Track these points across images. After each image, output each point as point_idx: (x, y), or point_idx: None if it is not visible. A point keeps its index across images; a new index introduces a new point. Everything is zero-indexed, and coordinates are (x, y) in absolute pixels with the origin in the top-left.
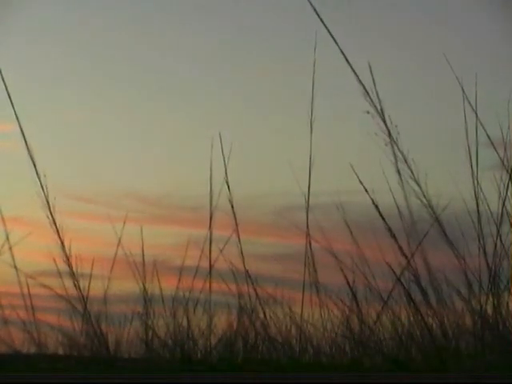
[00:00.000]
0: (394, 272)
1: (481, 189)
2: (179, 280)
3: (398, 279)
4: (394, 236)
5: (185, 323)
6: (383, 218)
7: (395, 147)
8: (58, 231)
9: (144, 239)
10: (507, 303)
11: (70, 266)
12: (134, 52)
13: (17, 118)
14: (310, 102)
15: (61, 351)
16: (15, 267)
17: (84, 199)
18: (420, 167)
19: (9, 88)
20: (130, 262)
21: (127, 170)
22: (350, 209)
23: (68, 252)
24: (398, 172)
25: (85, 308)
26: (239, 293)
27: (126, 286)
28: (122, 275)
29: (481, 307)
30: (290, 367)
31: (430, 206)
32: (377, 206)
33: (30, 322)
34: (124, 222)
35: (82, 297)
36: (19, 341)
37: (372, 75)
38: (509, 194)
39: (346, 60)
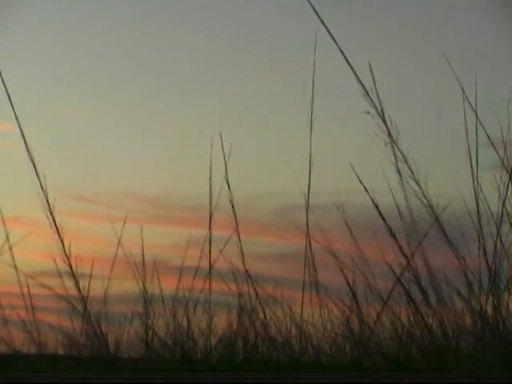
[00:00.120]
0: (394, 272)
1: (481, 189)
2: (179, 280)
3: (398, 279)
4: (394, 236)
5: (185, 323)
6: (383, 218)
7: (395, 147)
8: (57, 231)
9: (144, 239)
10: (507, 303)
11: (70, 266)
12: (134, 52)
13: (16, 118)
14: (310, 102)
15: (61, 351)
16: (15, 267)
17: (84, 199)
18: (420, 167)
19: (9, 88)
20: (130, 262)
21: (127, 170)
22: (349, 209)
23: (68, 252)
24: (399, 172)
25: (85, 308)
26: (239, 293)
27: (126, 286)
28: (121, 275)
29: (481, 307)
30: (290, 367)
31: (430, 206)
32: (377, 206)
33: (30, 322)
34: (124, 222)
35: (82, 297)
36: (19, 341)
37: (372, 75)
38: (509, 193)
39: (346, 60)
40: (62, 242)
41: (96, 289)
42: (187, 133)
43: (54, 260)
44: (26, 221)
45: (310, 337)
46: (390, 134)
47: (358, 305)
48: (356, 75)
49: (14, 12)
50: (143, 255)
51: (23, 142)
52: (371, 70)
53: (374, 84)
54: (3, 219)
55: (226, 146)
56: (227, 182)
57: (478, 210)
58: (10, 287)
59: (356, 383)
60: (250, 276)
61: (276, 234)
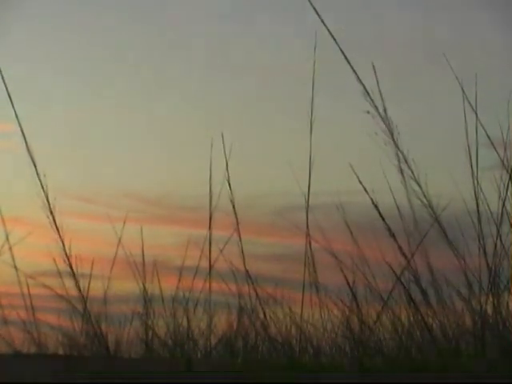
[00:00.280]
0: (394, 272)
1: (481, 189)
2: (179, 280)
3: (398, 279)
4: (393, 236)
5: (185, 323)
6: (383, 218)
7: (395, 147)
8: (58, 231)
9: (144, 239)
10: (507, 303)
11: (70, 266)
12: (135, 52)
13: (17, 118)
14: (310, 102)
15: (61, 351)
16: (15, 267)
17: (84, 199)
18: (420, 167)
19: (9, 88)
20: (130, 262)
21: (127, 170)
22: (350, 209)
23: (68, 252)
24: (401, 172)
25: (85, 308)
26: (239, 293)
27: (126, 286)
28: (122, 275)
29: (481, 307)
30: (290, 367)
31: (430, 206)
32: (376, 206)
33: (30, 322)
34: (124, 222)
35: (82, 297)
36: (19, 341)
37: (376, 75)
38: (509, 193)
39: (346, 60)
40: (63, 242)
41: (96, 289)
42: (187, 133)
43: (54, 260)
44: (26, 221)
45: (310, 337)
46: (390, 134)
47: (357, 305)
48: (356, 75)
49: (14, 12)
50: (143, 255)
51: (23, 142)
52: (374, 71)
53: (378, 83)
54: (3, 219)
55: (226, 146)
56: (228, 181)
57: (478, 210)
58: (10, 287)
59: (356, 383)
60: (250, 276)
61: (276, 234)
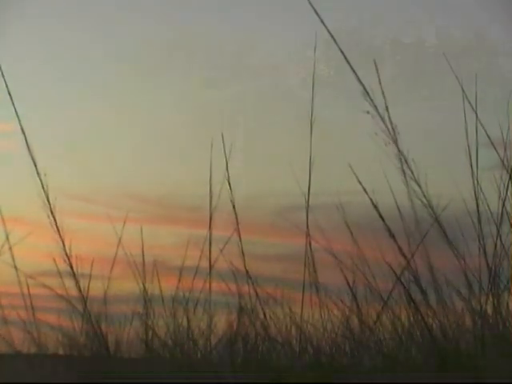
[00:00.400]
0: (394, 272)
1: (481, 189)
2: (179, 280)
3: (398, 279)
4: (392, 236)
5: (185, 323)
6: (382, 218)
7: (395, 147)
8: (58, 231)
9: (144, 239)
10: (507, 303)
11: (70, 266)
12: (134, 52)
13: (18, 118)
14: (310, 102)
15: (61, 351)
16: (15, 267)
17: (84, 199)
18: (420, 167)
19: (9, 87)
20: (130, 262)
21: (127, 170)
22: (350, 209)
23: (68, 252)
24: (403, 172)
25: (85, 308)
26: (239, 293)
27: (126, 286)
28: (122, 275)
29: (481, 307)
30: (290, 367)
31: (430, 206)
32: (376, 206)
33: (30, 322)
34: (124, 222)
35: (82, 297)
36: (19, 341)
37: (378, 74)
38: (509, 193)
39: (346, 60)
40: (63, 242)
41: (96, 289)
42: (187, 133)
43: (54, 260)
44: (26, 221)
45: (310, 337)
46: (390, 134)
47: (357, 305)
48: (356, 75)
49: (14, 12)
50: (143, 255)
51: (24, 142)
52: (377, 69)
53: (380, 83)
54: (3, 219)
55: (226, 146)
56: (228, 181)
57: (478, 210)
58: (10, 287)
59: (356, 383)
60: (250, 276)
61: (276, 234)
